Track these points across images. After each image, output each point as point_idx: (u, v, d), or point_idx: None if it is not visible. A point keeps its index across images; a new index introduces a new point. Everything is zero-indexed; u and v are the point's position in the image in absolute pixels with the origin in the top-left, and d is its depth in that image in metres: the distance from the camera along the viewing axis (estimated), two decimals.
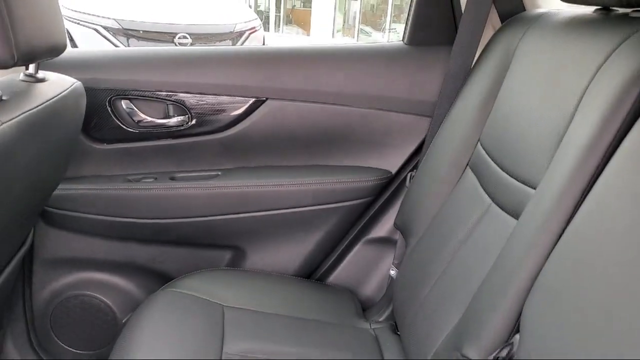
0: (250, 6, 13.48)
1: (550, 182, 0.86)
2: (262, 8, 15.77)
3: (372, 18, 12.95)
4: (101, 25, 5.46)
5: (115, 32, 5.42)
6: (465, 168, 1.22)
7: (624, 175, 0.73)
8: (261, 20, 12.23)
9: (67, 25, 5.14)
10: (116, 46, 5.36)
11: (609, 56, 0.87)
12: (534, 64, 1.07)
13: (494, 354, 0.81)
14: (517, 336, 0.81)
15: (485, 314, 0.87)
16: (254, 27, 6.35)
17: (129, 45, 5.48)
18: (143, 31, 5.55)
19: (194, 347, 1.09)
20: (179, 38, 5.57)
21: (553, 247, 0.80)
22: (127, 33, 5.54)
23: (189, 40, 5.58)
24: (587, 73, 0.89)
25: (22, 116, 0.88)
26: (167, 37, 5.57)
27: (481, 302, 0.91)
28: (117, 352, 1.07)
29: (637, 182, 0.69)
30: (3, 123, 0.83)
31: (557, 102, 0.93)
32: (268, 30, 12.25)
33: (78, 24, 5.40)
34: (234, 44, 5.91)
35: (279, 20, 15.49)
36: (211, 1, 6.69)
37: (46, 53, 0.95)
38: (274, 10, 15.61)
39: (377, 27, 12.46)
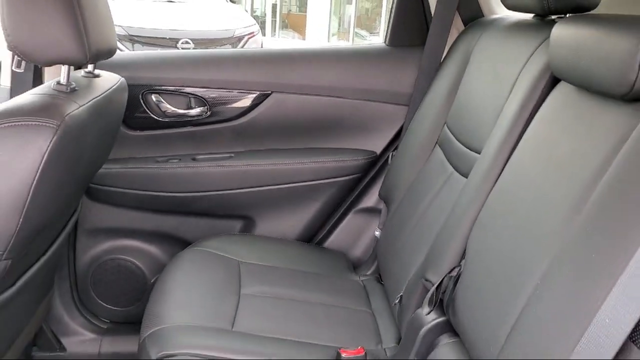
0: (246, 11, 13.73)
1: (488, 147, 1.15)
2: (258, 13, 16.00)
3: (367, 22, 13.22)
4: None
5: (121, 38, 5.66)
6: (435, 146, 1.50)
7: (536, 137, 1.02)
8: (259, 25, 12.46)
9: None
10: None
11: (534, 51, 1.16)
12: (485, 60, 1.37)
13: (447, 274, 1.10)
14: (464, 261, 1.09)
15: (442, 249, 1.16)
16: (253, 32, 6.63)
17: (133, 50, 5.73)
18: (147, 37, 5.81)
19: (217, 289, 1.37)
20: (182, 43, 5.82)
21: (488, 196, 1.09)
22: (133, 39, 5.79)
23: (192, 45, 5.83)
24: (519, 64, 1.18)
25: (91, 102, 1.17)
26: (170, 42, 5.82)
27: (439, 242, 1.20)
28: (154, 301, 1.34)
29: (546, 142, 0.98)
30: (80, 106, 1.11)
31: (498, 88, 1.22)
32: (264, 35, 12.50)
33: None
34: (234, 48, 6.17)
35: (275, 24, 15.72)
36: (212, 8, 6.94)
37: (106, 54, 1.23)
38: (270, 15, 15.85)
39: (372, 30, 12.74)
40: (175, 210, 1.75)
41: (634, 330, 0.68)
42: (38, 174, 1.00)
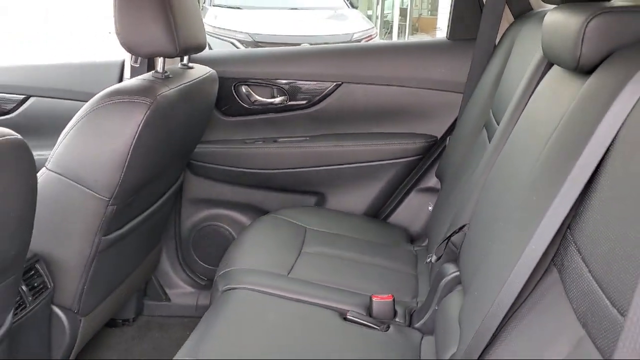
0: (377, 16, 13.96)
1: (501, 124, 1.30)
2: (388, 18, 16.22)
3: None
4: (236, 39, 6.25)
5: (248, 44, 6.16)
6: (482, 129, 1.64)
7: (529, 111, 1.16)
8: (388, 30, 12.64)
9: (209, 39, 5.98)
10: None
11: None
12: (521, 50, 1.50)
13: (456, 231, 1.27)
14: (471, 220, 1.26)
15: (460, 211, 1.33)
16: (370, 35, 6.89)
17: None
18: (270, 43, 6.27)
19: (282, 246, 1.63)
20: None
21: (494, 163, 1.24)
22: (258, 45, 6.28)
23: None
24: (535, 52, 1.31)
25: (180, 86, 1.48)
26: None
27: (458, 209, 1.36)
28: (229, 251, 1.63)
29: (533, 114, 1.13)
30: (170, 89, 1.42)
31: (521, 73, 1.36)
32: (392, 38, 12.69)
33: (218, 38, 6.22)
34: None
35: (405, 28, 15.84)
36: (332, 14, 7.29)
37: (194, 49, 1.54)
38: (398, 20, 15.99)
39: None
40: (260, 185, 2.04)
41: (555, 255, 0.83)
42: (135, 139, 1.32)
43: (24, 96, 2.02)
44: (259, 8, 7.22)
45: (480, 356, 0.86)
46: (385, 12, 16.14)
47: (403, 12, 15.88)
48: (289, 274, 1.49)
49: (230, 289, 1.40)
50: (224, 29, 6.31)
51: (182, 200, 2.08)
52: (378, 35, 11.41)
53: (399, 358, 1.21)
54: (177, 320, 2.04)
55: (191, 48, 1.52)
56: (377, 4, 13.78)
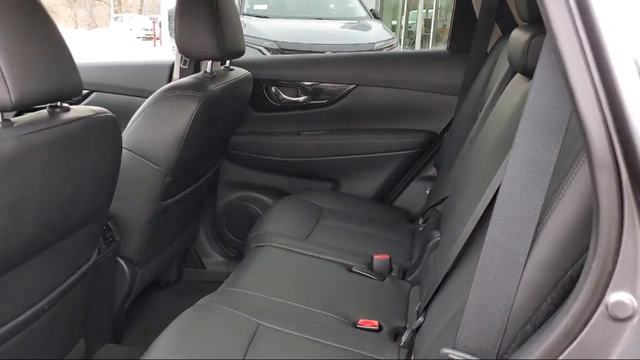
0: (401, 27, 14.20)
1: (478, 120, 1.62)
2: (412, 28, 16.50)
3: None
4: (263, 46, 6.61)
5: (274, 51, 6.52)
6: (472, 126, 1.97)
7: (495, 111, 1.48)
8: (412, 40, 12.84)
9: None
10: None
11: None
12: (502, 61, 1.82)
13: (439, 202, 1.59)
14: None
15: (443, 188, 1.65)
16: (391, 45, 7.20)
17: None
18: (296, 51, 6.62)
19: (301, 218, 1.96)
20: None
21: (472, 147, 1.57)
22: (284, 52, 6.64)
23: None
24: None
25: (223, 85, 1.83)
26: None
27: (443, 185, 1.68)
28: (257, 221, 1.97)
29: (497, 111, 1.45)
30: (216, 86, 1.78)
31: (498, 81, 1.68)
32: (414, 48, 12.98)
33: (247, 45, 6.59)
34: None
35: (429, 38, 16.10)
36: (355, 24, 7.61)
37: (236, 54, 1.90)
38: (421, 30, 16.26)
39: None
40: (284, 172, 2.38)
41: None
42: (189, 125, 1.67)
43: (87, 91, 2.40)
44: (285, 17, 7.58)
45: (441, 282, 1.18)
46: (410, 22, 16.41)
47: (427, 23, 16.13)
48: (306, 238, 1.83)
49: (259, 246, 1.75)
50: (251, 36, 6.67)
51: (218, 184, 2.43)
52: (401, 45, 11.69)
53: (390, 299, 1.54)
54: (211, 285, 2.37)
55: (233, 53, 1.88)
56: (402, 14, 14.07)
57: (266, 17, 7.41)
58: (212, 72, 1.85)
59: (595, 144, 0.58)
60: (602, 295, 0.60)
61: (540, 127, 0.70)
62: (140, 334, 1.98)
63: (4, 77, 0.98)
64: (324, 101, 2.33)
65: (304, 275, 1.61)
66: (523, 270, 0.73)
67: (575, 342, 0.61)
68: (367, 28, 7.50)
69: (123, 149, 1.70)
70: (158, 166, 1.70)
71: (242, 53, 1.96)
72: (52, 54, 1.10)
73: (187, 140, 1.69)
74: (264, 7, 7.84)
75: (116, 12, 27.74)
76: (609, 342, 0.60)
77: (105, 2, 30.08)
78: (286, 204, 2.09)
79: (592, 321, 0.61)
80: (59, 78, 1.12)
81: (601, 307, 0.61)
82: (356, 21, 7.69)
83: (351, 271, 1.65)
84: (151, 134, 1.69)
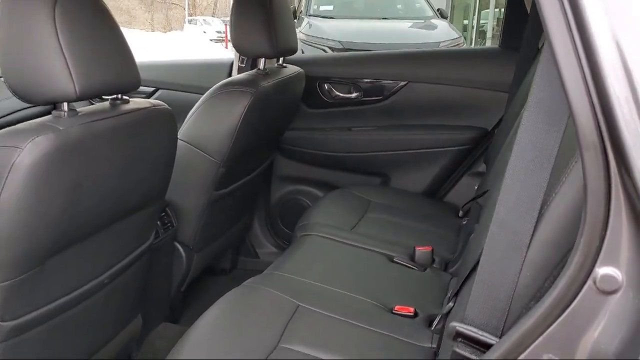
0: (472, 26, 13.99)
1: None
2: (484, 28, 16.25)
3: None
4: (327, 46, 6.72)
5: (337, 51, 6.60)
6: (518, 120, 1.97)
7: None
8: (483, 40, 12.64)
9: (302, 45, 6.48)
10: None
11: None
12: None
13: (482, 193, 1.61)
14: None
15: (484, 182, 1.67)
16: (458, 44, 7.13)
17: None
18: (359, 50, 6.69)
19: (348, 211, 2.03)
20: None
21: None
22: (346, 51, 6.71)
23: None
24: None
25: (276, 81, 1.92)
26: None
27: (485, 178, 1.70)
28: (306, 212, 2.06)
29: None
30: (269, 82, 1.87)
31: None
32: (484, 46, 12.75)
33: (311, 45, 6.72)
34: None
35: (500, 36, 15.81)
36: (421, 24, 7.58)
37: (288, 52, 1.99)
38: (492, 30, 15.98)
39: None
40: (335, 166, 2.45)
41: None
42: (241, 118, 1.77)
43: (153, 89, 2.56)
44: (351, 18, 7.65)
45: (472, 269, 1.21)
46: (482, 22, 16.11)
47: (498, 23, 15.74)
48: (351, 229, 1.89)
49: (305, 235, 1.83)
50: (316, 36, 6.79)
51: (272, 177, 2.53)
52: (473, 43, 11.49)
53: (428, 288, 1.58)
54: None
55: (286, 51, 1.97)
56: (474, 14, 13.85)
57: (332, 18, 7.52)
58: (265, 69, 1.95)
59: (583, 125, 0.62)
60: (591, 269, 0.64)
61: (545, 113, 0.73)
62: (195, 315, 2.08)
63: (69, 71, 1.10)
64: (376, 98, 2.38)
65: (346, 263, 1.67)
66: (527, 250, 0.76)
67: (564, 314, 0.65)
68: (433, 27, 7.46)
69: (181, 141, 1.83)
70: (212, 157, 1.81)
71: (294, 51, 2.05)
72: (114, 51, 1.22)
73: (239, 133, 1.79)
74: (330, 7, 7.95)
75: (190, 15, 28.71)
76: (595, 314, 0.64)
77: (180, 6, 31.19)
78: (335, 197, 2.16)
79: (580, 294, 0.64)
80: (119, 73, 1.23)
81: (589, 281, 0.64)
82: (422, 21, 7.66)
83: (392, 261, 1.70)
84: (206, 127, 1.81)
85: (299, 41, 6.86)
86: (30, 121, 1.13)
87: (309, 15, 7.57)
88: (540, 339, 0.67)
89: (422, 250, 1.73)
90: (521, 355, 0.68)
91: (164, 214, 1.84)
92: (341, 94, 2.42)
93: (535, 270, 0.76)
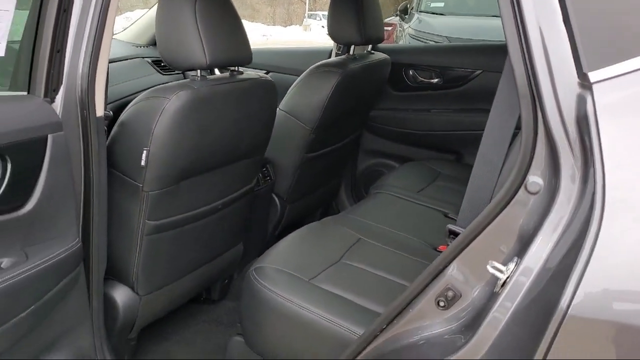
0: None
1: None
2: None
3: None
4: (434, 42, 6.94)
5: None
6: None
7: None
8: None
9: (410, 40, 6.76)
10: None
11: None
12: None
13: None
14: None
15: None
16: None
17: None
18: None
19: (417, 178, 2.37)
20: None
21: None
22: None
23: None
24: None
25: (362, 65, 2.31)
26: None
27: None
28: (381, 178, 2.43)
29: None
30: (356, 65, 2.26)
31: None
32: None
33: (419, 39, 6.97)
34: None
35: None
36: None
37: (375, 41, 2.36)
38: None
39: None
40: (414, 143, 2.80)
41: None
42: (330, 94, 2.18)
43: (265, 71, 3.03)
44: (461, 15, 7.80)
45: None
46: None
47: None
48: (418, 192, 2.24)
49: (378, 192, 2.21)
50: (425, 32, 7.03)
51: (359, 151, 2.93)
52: None
53: None
54: None
55: (372, 39, 2.35)
56: None
57: (442, 14, 7.72)
58: (354, 54, 2.34)
59: (519, 83, 0.95)
60: (524, 177, 0.97)
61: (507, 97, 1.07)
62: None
63: (203, 48, 1.55)
64: (454, 84, 2.69)
65: (405, 214, 2.04)
66: (499, 174, 1.10)
67: (507, 206, 0.99)
68: None
69: (281, 111, 2.27)
70: (305, 125, 2.23)
71: (381, 40, 2.42)
72: (234, 34, 1.67)
73: (328, 106, 2.20)
74: (441, 4, 8.13)
75: (310, 10, 29.63)
76: (524, 207, 0.97)
77: (302, 1, 32.29)
78: (409, 166, 2.51)
79: (517, 193, 0.97)
80: (236, 50, 1.68)
81: (522, 186, 0.97)
82: None
83: (446, 217, 2.03)
84: (301, 100, 2.24)
85: (407, 36, 7.11)
86: (174, 82, 1.61)
87: (420, 12, 7.81)
88: (491, 225, 1.01)
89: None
90: (478, 237, 1.03)
91: (264, 169, 2.30)
92: (424, 79, 2.75)
93: (500, 185, 1.09)
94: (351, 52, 2.35)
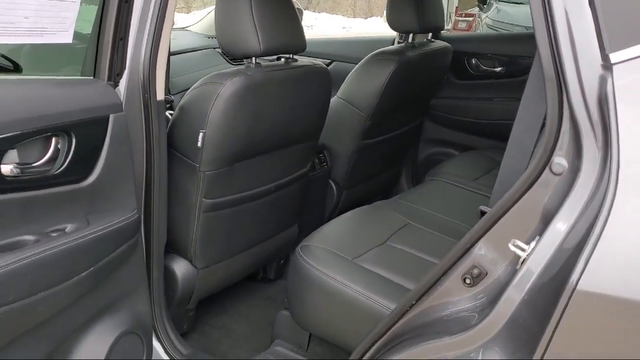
0: None
1: None
2: None
3: None
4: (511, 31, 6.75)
5: None
6: None
7: None
8: None
9: (486, 30, 6.63)
10: None
11: None
12: None
13: None
14: None
15: None
16: None
17: None
18: None
19: (473, 167, 2.37)
20: None
21: None
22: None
23: None
24: None
25: (421, 52, 2.32)
26: None
27: None
28: (437, 166, 2.44)
29: None
30: (415, 53, 2.28)
31: None
32: None
33: (494, 29, 6.81)
34: None
35: None
36: None
37: (434, 29, 2.37)
38: None
39: None
40: (476, 132, 2.78)
41: None
42: (387, 81, 2.21)
43: (329, 61, 3.10)
44: None
45: None
46: None
47: None
48: (473, 180, 2.24)
49: (432, 179, 2.23)
50: (503, 22, 6.86)
51: (420, 139, 2.94)
52: None
53: None
54: None
55: (431, 28, 2.36)
56: None
57: (522, 4, 7.49)
58: (412, 42, 2.36)
59: (545, 66, 0.96)
60: (549, 158, 0.98)
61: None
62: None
63: (258, 36, 1.63)
64: (517, 72, 2.65)
65: (457, 200, 2.05)
66: (531, 156, 1.12)
67: (533, 186, 1.00)
68: None
69: (338, 98, 2.33)
70: (361, 112, 2.28)
71: (440, 29, 2.43)
72: (288, 24, 1.74)
73: (384, 93, 2.23)
74: None
75: None
76: (548, 187, 0.98)
77: None
78: (467, 155, 2.51)
79: (543, 173, 0.99)
80: (290, 39, 1.75)
81: (547, 166, 0.99)
82: None
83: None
84: (358, 87, 2.28)
85: (484, 26, 6.98)
86: (230, 69, 1.71)
87: (499, 1, 7.61)
88: (516, 205, 1.03)
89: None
90: (503, 216, 1.05)
91: (321, 154, 2.37)
92: (486, 68, 2.73)
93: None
94: (410, 40, 2.37)
